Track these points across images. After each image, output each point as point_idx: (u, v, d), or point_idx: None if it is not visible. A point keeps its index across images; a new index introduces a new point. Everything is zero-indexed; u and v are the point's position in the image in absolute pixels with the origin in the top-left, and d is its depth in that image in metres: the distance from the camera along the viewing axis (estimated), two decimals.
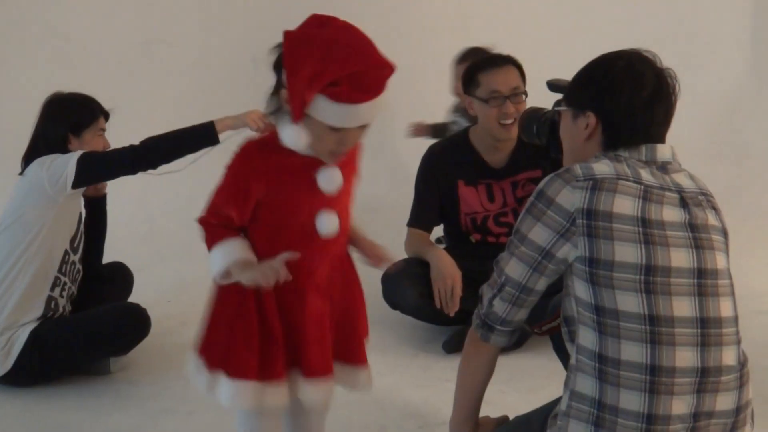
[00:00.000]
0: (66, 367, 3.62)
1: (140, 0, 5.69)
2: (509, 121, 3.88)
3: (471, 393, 2.52)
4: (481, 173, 4.04)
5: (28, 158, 3.61)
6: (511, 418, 2.64)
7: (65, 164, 3.46)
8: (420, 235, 4.08)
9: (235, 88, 5.72)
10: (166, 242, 5.20)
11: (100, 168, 3.55)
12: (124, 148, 3.55)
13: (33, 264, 3.51)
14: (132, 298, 4.00)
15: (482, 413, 2.57)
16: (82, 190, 3.59)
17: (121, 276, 4.08)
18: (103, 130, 3.70)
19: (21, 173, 3.60)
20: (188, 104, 5.68)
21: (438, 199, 4.09)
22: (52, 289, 3.58)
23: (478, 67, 3.96)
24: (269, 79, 4.44)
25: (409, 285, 3.94)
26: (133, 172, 3.57)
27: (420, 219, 4.12)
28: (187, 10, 5.77)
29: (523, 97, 3.91)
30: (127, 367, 3.74)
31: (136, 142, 3.55)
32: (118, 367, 3.71)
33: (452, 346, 3.85)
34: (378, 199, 5.71)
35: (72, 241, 3.64)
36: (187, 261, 5.09)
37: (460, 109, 5.10)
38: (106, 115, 3.72)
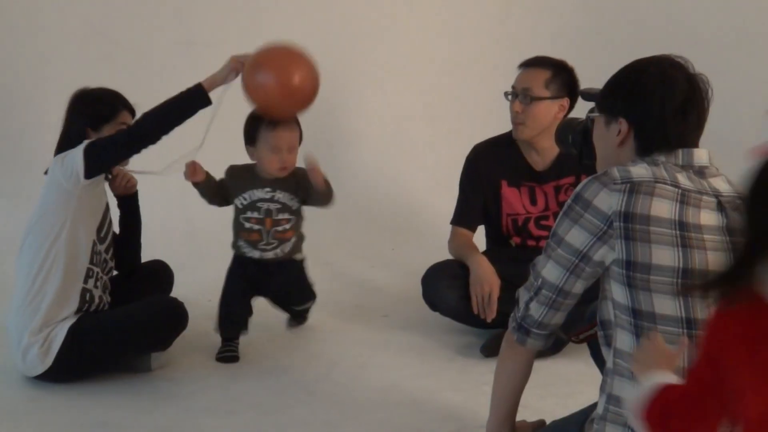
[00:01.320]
0: (106, 362, 3.63)
1: (182, 1, 5.72)
2: (516, 121, 3.94)
3: (508, 396, 2.53)
4: (524, 175, 4.05)
5: (58, 151, 3.63)
6: (548, 422, 2.65)
7: (75, 156, 3.48)
8: (463, 234, 4.09)
9: None
10: (207, 242, 5.20)
11: (103, 153, 3.53)
12: (121, 129, 3.58)
13: (62, 258, 3.53)
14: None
15: (519, 417, 2.58)
16: (100, 179, 3.60)
17: (161, 274, 4.10)
18: (126, 125, 3.66)
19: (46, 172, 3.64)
20: (228, 105, 5.70)
21: (481, 197, 4.10)
22: (86, 281, 3.59)
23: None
24: None
25: (448, 287, 3.95)
26: (136, 149, 3.55)
27: (464, 217, 4.14)
28: (227, 11, 5.79)
29: (530, 100, 3.88)
30: (168, 366, 3.75)
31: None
32: (159, 365, 3.72)
33: (490, 350, 3.82)
34: (420, 200, 5.71)
35: (98, 230, 3.64)
36: (228, 261, 5.13)
37: None
38: (131, 110, 3.70)
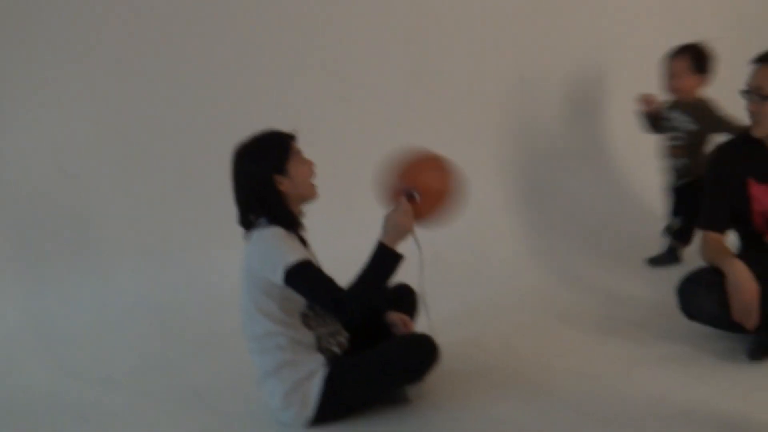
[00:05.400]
0: (364, 404, 3.64)
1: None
2: (753, 119, 3.90)
3: None
4: None
5: (243, 220, 3.60)
6: None
7: (273, 271, 3.43)
8: (715, 239, 3.95)
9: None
10: (450, 268, 5.22)
11: (305, 291, 3.45)
12: (335, 291, 3.42)
13: (285, 339, 3.53)
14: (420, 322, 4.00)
15: None
16: None
17: (406, 298, 4.00)
18: (300, 152, 3.60)
19: (245, 238, 3.60)
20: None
21: (729, 198, 3.96)
22: (318, 344, 3.59)
23: None
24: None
25: (705, 294, 3.82)
26: (340, 318, 3.54)
27: (713, 221, 3.99)
28: None
29: (762, 98, 3.82)
30: (425, 394, 3.74)
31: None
32: (416, 395, 3.71)
33: (757, 354, 3.71)
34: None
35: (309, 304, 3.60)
36: (472, 286, 5.12)
37: (679, 105, 5.14)
38: (294, 138, 3.62)
